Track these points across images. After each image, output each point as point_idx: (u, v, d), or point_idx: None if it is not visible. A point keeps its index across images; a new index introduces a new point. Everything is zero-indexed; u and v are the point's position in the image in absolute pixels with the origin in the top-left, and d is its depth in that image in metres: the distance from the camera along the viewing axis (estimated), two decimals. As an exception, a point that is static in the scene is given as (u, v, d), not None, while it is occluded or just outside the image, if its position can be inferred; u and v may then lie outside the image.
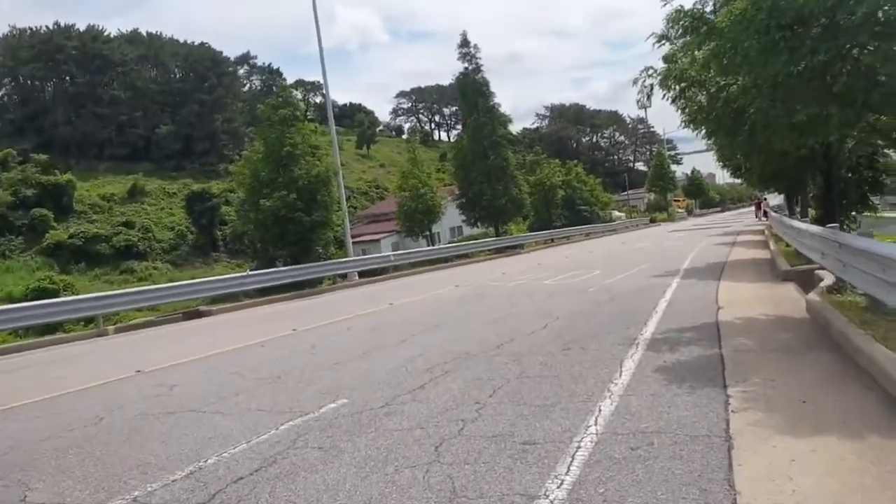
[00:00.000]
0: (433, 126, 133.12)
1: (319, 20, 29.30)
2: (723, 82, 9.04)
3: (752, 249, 21.61)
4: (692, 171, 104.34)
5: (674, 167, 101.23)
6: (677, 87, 10.10)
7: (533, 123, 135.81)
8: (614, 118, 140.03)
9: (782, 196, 46.56)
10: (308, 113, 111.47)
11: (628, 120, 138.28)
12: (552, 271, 20.14)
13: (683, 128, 19.16)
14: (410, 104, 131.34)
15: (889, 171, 21.88)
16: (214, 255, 60.19)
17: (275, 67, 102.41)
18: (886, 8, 7.20)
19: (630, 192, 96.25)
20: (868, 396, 5.07)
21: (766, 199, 54.56)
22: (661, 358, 7.03)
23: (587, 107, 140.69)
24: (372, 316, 13.73)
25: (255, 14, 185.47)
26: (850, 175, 21.22)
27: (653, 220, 73.51)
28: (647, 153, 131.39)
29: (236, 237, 49.76)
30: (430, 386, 6.83)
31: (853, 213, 22.97)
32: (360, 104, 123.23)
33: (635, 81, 9.98)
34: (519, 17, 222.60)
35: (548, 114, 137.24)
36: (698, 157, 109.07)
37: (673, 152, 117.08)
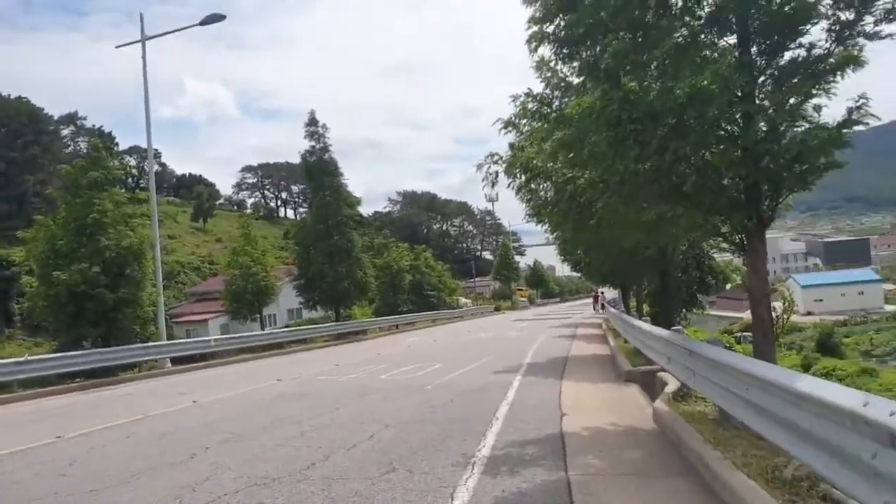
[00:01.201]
0: (279, 203, 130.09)
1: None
2: (569, 174, 8.65)
3: (592, 344, 21.80)
4: (534, 263, 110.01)
5: (518, 258, 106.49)
6: (522, 177, 9.64)
7: (385, 207, 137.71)
8: (464, 208, 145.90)
9: (618, 291, 49.52)
10: (140, 181, 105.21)
11: (477, 211, 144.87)
12: (391, 363, 18.86)
13: (527, 221, 19.26)
14: (256, 179, 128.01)
15: (714, 273, 23.45)
16: (8, 331, 52.51)
17: (107, 131, 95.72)
18: (733, 112, 7.06)
19: (477, 279, 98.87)
20: (741, 549, 4.22)
21: (603, 292, 57.76)
22: (500, 485, 5.93)
23: (439, 196, 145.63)
24: (166, 418, 11.55)
25: (91, 76, 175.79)
26: (680, 275, 22.38)
27: (497, 309, 75.29)
28: (494, 243, 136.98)
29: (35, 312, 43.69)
30: (202, 533, 5.20)
31: (683, 310, 24.20)
32: (200, 175, 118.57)
33: (479, 167, 9.40)
34: (378, 106, 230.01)
35: (400, 199, 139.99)
36: (541, 250, 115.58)
37: (517, 244, 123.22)
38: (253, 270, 34.16)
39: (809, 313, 69.39)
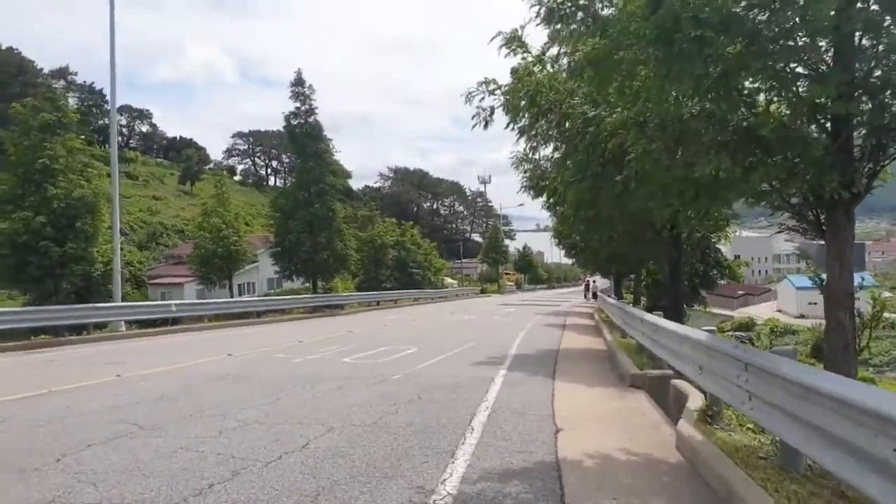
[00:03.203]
0: (269, 172, 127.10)
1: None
2: (592, 113, 6.40)
3: (584, 336, 19.74)
4: (524, 247, 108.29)
5: (507, 242, 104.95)
6: (527, 115, 7.36)
7: (376, 182, 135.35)
8: (455, 188, 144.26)
9: (608, 280, 47.59)
10: (130, 140, 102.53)
11: (468, 192, 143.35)
12: (360, 343, 16.73)
13: (522, 191, 17.05)
14: (247, 146, 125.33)
15: (720, 267, 21.34)
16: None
17: (98, 88, 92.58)
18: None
19: (464, 260, 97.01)
20: None
21: (595, 281, 55.87)
22: (468, 557, 3.81)
23: (430, 174, 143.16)
24: (69, 395, 9.35)
25: (89, 35, 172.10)
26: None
27: (483, 291, 73.41)
28: (484, 225, 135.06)
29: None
30: None
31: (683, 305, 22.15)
32: (190, 139, 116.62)
33: (469, 99, 7.04)
34: (375, 80, 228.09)
35: (392, 175, 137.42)
36: (531, 236, 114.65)
37: (507, 228, 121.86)
38: (224, 233, 31.81)
39: (802, 316, 67.60)
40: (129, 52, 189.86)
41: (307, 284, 41.41)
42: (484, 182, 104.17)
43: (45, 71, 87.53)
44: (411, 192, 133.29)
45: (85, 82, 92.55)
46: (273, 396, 9.08)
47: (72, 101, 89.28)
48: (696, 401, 7.48)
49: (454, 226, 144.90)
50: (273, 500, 4.80)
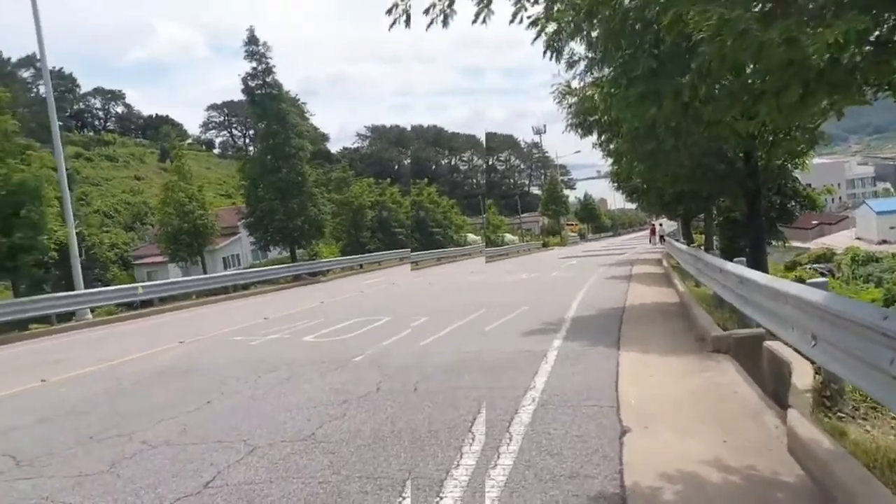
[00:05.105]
0: (247, 142, 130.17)
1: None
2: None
3: (653, 287, 17.95)
4: (585, 196, 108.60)
5: (567, 192, 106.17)
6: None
7: (354, 143, 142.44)
8: (510, 142, 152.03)
9: (675, 223, 46.06)
10: (107, 122, 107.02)
11: (524, 144, 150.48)
12: (335, 317, 15.67)
13: (569, 130, 15.97)
14: (223, 118, 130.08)
15: (798, 197, 19.74)
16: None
17: (67, 73, 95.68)
18: None
19: (524, 214, 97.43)
20: None
21: (661, 224, 54.72)
22: None
23: (445, 129, 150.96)
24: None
25: (64, 21, 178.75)
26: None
27: (545, 245, 73.00)
28: (542, 177, 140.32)
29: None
30: None
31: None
32: (167, 115, 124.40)
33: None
34: (346, 41, 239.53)
35: (369, 134, 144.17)
36: (591, 183, 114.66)
37: (566, 177, 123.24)
38: (188, 208, 33.09)
39: (884, 241, 65.49)
40: (101, 36, 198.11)
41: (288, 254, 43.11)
42: (539, 132, 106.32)
43: (13, 60, 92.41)
44: (391, 149, 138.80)
45: (54, 68, 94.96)
46: (205, 398, 7.80)
47: (42, 90, 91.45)
48: (803, 374, 5.72)
49: (511, 180, 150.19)
50: None
